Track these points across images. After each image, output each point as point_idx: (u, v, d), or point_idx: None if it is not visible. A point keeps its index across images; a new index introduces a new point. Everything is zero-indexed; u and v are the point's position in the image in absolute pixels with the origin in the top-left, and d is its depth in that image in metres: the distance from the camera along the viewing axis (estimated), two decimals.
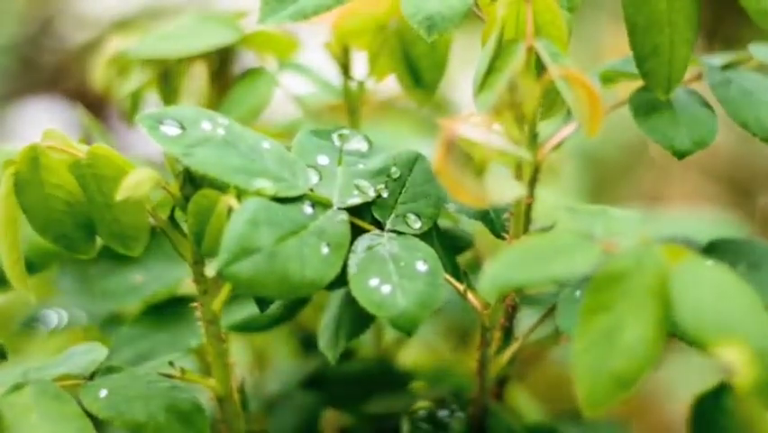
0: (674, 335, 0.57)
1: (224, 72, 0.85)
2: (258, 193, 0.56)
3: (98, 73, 0.83)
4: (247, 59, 0.86)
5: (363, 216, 0.61)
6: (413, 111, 0.94)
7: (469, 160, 0.51)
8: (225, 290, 0.59)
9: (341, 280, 0.58)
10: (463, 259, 0.71)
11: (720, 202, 1.39)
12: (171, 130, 0.58)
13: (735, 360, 0.48)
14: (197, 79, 0.81)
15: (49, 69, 1.56)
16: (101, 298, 0.77)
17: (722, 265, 0.52)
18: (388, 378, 0.78)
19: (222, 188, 0.58)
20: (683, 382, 1.14)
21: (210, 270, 0.54)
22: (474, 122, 0.52)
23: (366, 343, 0.82)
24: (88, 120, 0.84)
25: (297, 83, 0.82)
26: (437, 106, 0.95)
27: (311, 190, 0.59)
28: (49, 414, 0.58)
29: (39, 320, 0.84)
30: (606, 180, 1.15)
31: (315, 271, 0.55)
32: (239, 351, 0.84)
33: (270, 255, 0.54)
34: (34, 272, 0.72)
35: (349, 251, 0.58)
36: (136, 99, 0.83)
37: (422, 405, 0.71)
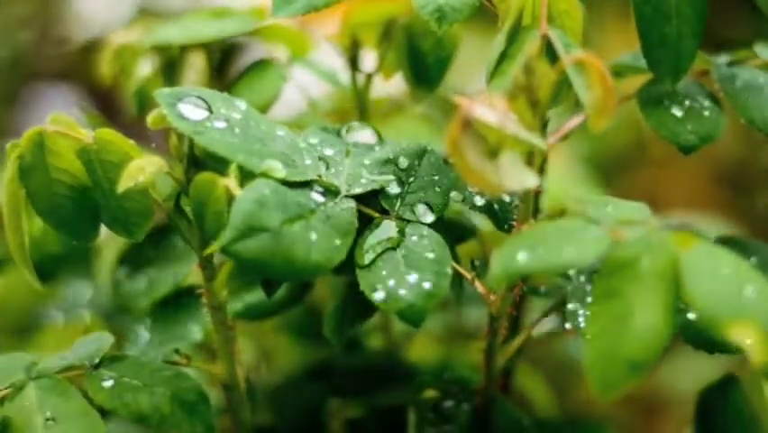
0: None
1: (226, 68, 0.85)
2: (265, 174, 0.56)
3: (104, 65, 0.83)
4: (249, 56, 0.86)
5: (371, 205, 0.61)
6: (419, 113, 0.94)
7: (483, 142, 0.51)
8: (227, 268, 0.59)
9: (347, 266, 0.58)
10: (469, 251, 0.71)
11: (719, 202, 1.40)
12: (187, 109, 0.58)
13: (746, 342, 0.47)
14: (198, 72, 0.81)
15: (50, 70, 1.57)
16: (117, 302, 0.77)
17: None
18: (394, 369, 0.78)
19: (225, 171, 0.58)
20: (686, 385, 1.14)
21: (214, 247, 0.54)
22: (490, 103, 0.51)
23: (374, 335, 0.82)
24: (92, 114, 0.84)
25: (303, 75, 0.82)
26: (445, 108, 0.95)
27: (320, 177, 0.59)
28: (55, 413, 0.58)
29: (42, 317, 0.84)
30: (605, 180, 1.15)
31: (320, 254, 0.55)
32: (245, 347, 0.84)
33: (277, 235, 0.54)
34: (45, 279, 0.71)
35: (356, 238, 0.58)
36: (141, 95, 0.82)
37: (428, 396, 0.70)
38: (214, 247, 0.55)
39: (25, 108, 1.52)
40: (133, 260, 0.76)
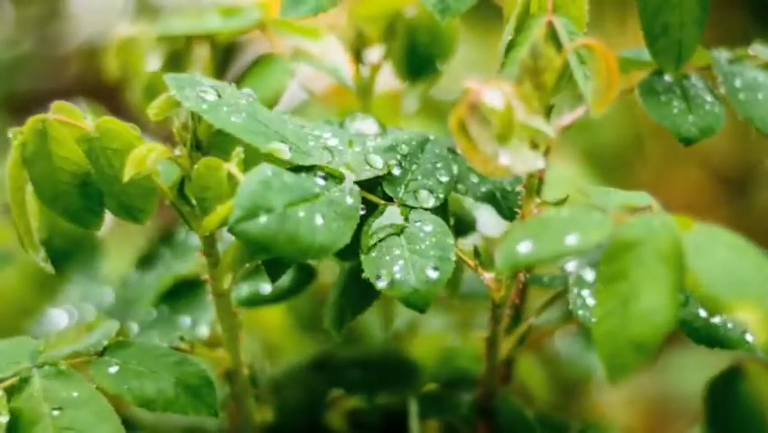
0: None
1: (230, 64, 0.85)
2: (270, 155, 0.57)
3: (110, 60, 0.83)
4: (251, 54, 0.86)
5: (375, 193, 0.61)
6: (420, 110, 0.95)
7: (489, 126, 0.51)
8: (230, 253, 0.59)
9: (351, 251, 0.58)
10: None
11: (719, 202, 1.40)
12: (197, 92, 0.58)
13: (750, 321, 0.48)
14: (203, 68, 0.81)
15: (53, 70, 1.57)
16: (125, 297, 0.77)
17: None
18: (395, 361, 0.78)
19: (228, 158, 0.58)
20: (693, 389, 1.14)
21: (214, 221, 0.54)
22: (500, 88, 0.51)
23: (376, 328, 0.82)
24: (95, 106, 0.84)
25: (304, 68, 0.82)
26: (446, 108, 0.95)
27: (324, 164, 0.59)
28: (62, 401, 0.58)
29: (47, 320, 0.84)
30: (602, 177, 1.15)
31: (325, 237, 0.55)
32: (249, 342, 0.84)
33: (281, 217, 0.54)
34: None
35: (360, 225, 0.58)
36: (150, 90, 0.82)
37: (429, 387, 0.70)
38: (214, 222, 0.55)
39: (29, 114, 1.52)
40: (145, 258, 0.77)
